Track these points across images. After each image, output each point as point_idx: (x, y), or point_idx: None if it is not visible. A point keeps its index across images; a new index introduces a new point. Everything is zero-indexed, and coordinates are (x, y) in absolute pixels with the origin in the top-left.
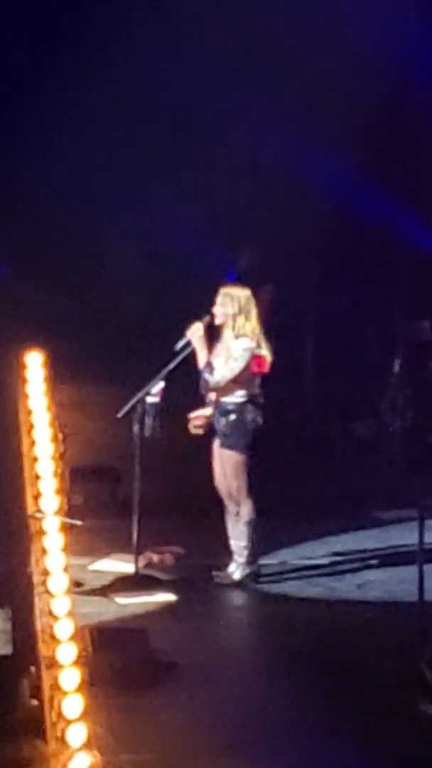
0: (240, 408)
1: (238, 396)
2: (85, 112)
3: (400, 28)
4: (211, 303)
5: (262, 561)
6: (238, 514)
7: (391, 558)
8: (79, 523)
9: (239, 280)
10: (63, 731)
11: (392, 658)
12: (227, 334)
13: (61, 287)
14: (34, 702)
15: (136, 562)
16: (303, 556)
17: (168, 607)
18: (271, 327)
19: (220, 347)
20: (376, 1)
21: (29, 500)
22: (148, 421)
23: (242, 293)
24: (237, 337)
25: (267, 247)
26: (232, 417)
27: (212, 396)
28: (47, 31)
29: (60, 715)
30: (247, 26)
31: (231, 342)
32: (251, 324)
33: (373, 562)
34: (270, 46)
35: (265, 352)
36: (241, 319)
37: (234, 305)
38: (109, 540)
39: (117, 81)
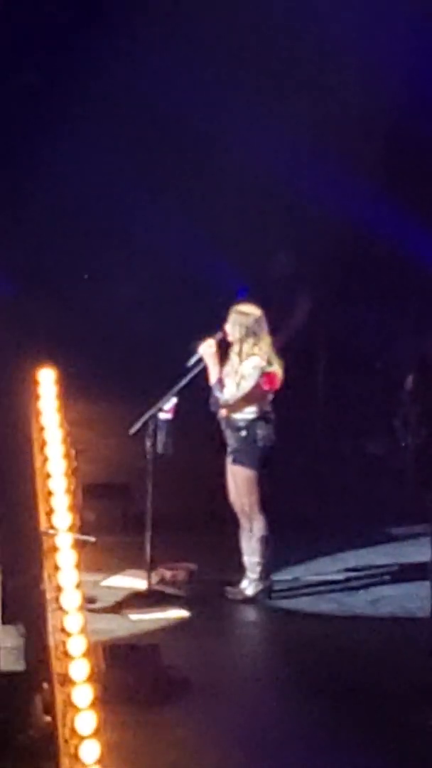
0: (251, 425)
1: (249, 413)
2: (93, 131)
3: (412, 44)
4: (223, 320)
5: (275, 577)
6: (251, 530)
7: (404, 574)
8: (91, 539)
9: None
10: (76, 748)
11: (405, 674)
12: (234, 359)
13: (72, 305)
14: (47, 718)
15: (149, 578)
16: (315, 572)
17: (181, 624)
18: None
19: (228, 367)
20: (388, 16)
21: (42, 517)
22: (161, 437)
23: (251, 314)
24: (243, 361)
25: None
26: (243, 434)
27: (223, 413)
28: (54, 48)
29: (73, 731)
30: (258, 43)
31: (238, 366)
32: (260, 345)
33: (386, 577)
34: (281, 63)
35: (276, 369)
36: (248, 344)
37: (241, 329)
38: (122, 556)
39: (125, 100)
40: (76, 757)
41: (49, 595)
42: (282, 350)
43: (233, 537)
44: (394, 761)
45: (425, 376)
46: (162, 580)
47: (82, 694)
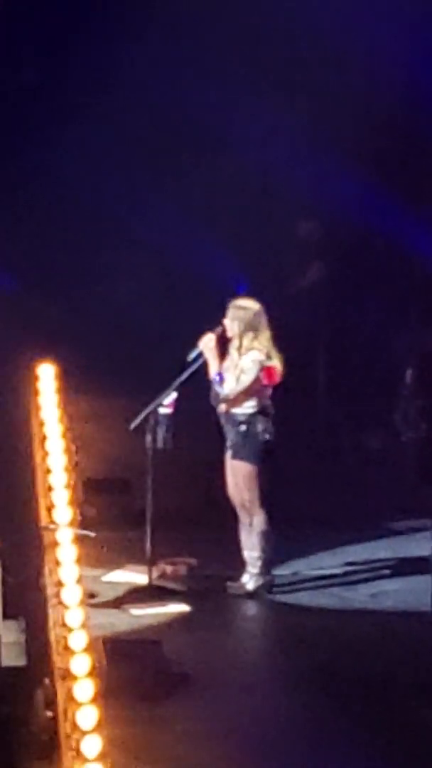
0: (250, 419)
1: (249, 407)
2: (94, 128)
3: (412, 40)
4: (223, 314)
5: (275, 571)
6: (251, 524)
7: (404, 568)
8: (92, 534)
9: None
10: (78, 743)
11: (405, 668)
12: (233, 354)
13: (72, 300)
14: (49, 713)
15: (150, 573)
16: (316, 566)
17: (181, 618)
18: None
19: (228, 362)
20: (389, 12)
21: (42, 512)
22: (161, 432)
23: (250, 308)
24: (242, 355)
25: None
26: (243, 428)
27: (223, 407)
28: (54, 48)
29: (74, 726)
30: (256, 38)
31: (237, 360)
32: (259, 339)
33: (386, 572)
34: (279, 58)
35: (276, 363)
36: (247, 339)
37: (240, 324)
38: (123, 551)
39: (125, 96)
40: (77, 751)
41: (50, 590)
42: (281, 346)
43: (233, 532)
44: (393, 756)
45: (425, 370)
46: (163, 575)
47: (84, 688)
